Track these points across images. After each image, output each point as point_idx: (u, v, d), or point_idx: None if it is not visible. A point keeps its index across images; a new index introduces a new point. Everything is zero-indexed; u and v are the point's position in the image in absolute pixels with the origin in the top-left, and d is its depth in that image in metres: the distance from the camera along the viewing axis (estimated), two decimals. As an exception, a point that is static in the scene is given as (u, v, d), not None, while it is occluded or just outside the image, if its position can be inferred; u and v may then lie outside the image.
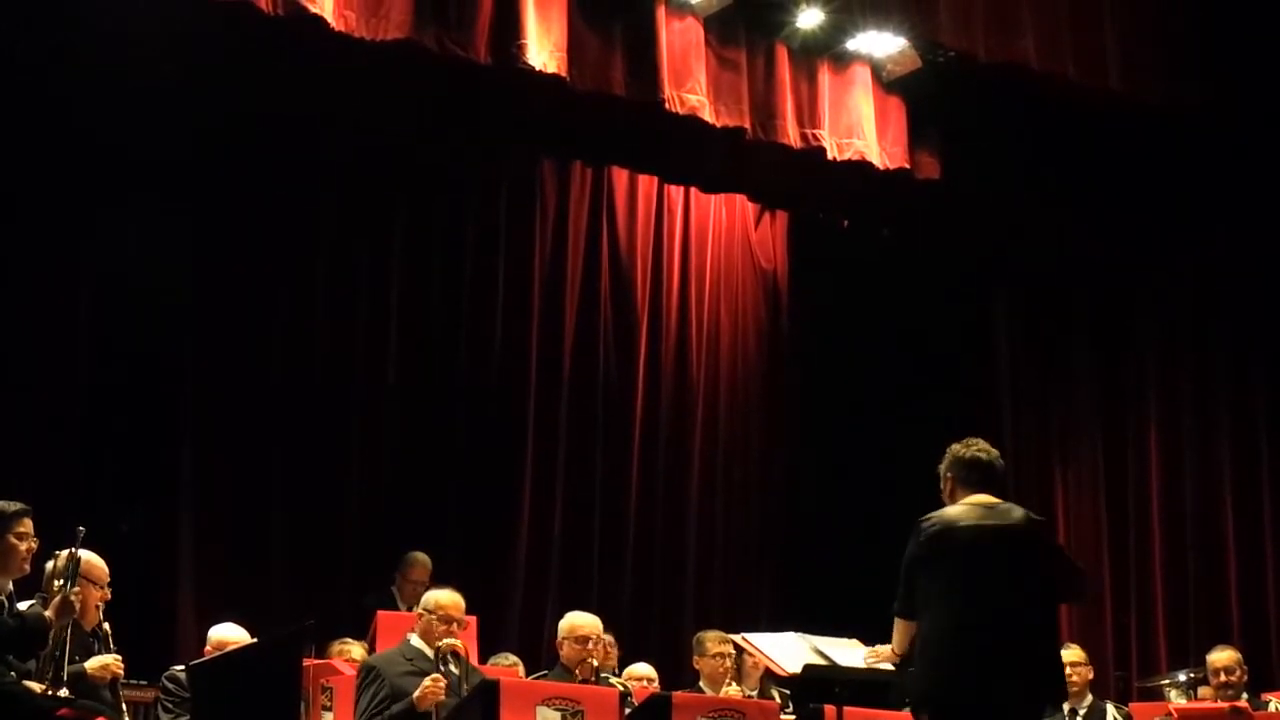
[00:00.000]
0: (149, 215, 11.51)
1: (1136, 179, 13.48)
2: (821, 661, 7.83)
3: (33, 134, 11.07)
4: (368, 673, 8.54)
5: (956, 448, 7.32)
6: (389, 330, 12.76)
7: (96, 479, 11.29)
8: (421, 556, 11.70)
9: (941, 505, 7.23)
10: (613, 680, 9.16)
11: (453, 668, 8.61)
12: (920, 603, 6.96)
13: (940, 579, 6.89)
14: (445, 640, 8.62)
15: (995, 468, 7.25)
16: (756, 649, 8.80)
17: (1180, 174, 13.40)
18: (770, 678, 10.21)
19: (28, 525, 7.59)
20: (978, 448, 7.28)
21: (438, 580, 10.77)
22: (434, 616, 8.74)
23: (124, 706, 8.45)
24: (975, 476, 7.19)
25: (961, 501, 7.11)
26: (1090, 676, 10.68)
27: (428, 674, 8.41)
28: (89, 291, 11.47)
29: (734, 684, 10.15)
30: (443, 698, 8.32)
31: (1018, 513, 7.13)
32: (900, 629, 7.18)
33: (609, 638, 10.53)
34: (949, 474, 7.26)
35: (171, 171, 11.73)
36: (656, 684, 9.83)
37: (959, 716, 6.83)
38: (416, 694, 8.30)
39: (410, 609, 11.01)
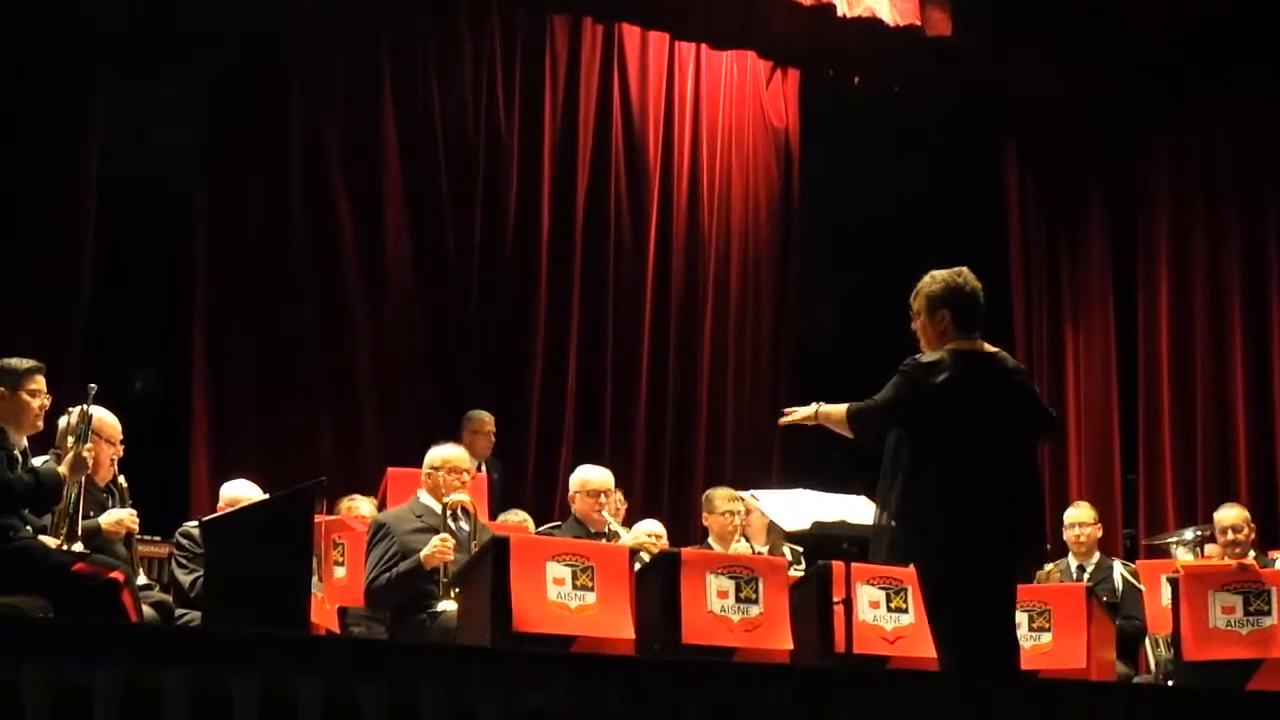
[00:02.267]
0: (158, 70, 11.47)
1: (1147, 32, 13.38)
2: (831, 518, 7.82)
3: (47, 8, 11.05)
4: (378, 529, 8.60)
5: (948, 276, 6.78)
6: (401, 187, 12.71)
7: (110, 335, 11.30)
8: (485, 413, 11.85)
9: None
10: (622, 535, 9.20)
11: (463, 524, 8.68)
12: (908, 445, 6.63)
13: (951, 432, 6.53)
14: (452, 496, 8.67)
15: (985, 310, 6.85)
16: (765, 508, 8.83)
17: (1190, 29, 13.31)
18: (780, 534, 10.25)
19: (40, 382, 7.60)
20: (974, 280, 6.81)
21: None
22: (440, 472, 8.79)
23: (138, 561, 8.55)
24: (978, 317, 6.76)
25: (955, 345, 6.67)
26: (1098, 535, 10.74)
27: (437, 530, 8.48)
28: (98, 147, 11.41)
29: (743, 540, 10.19)
30: (451, 558, 8.38)
31: (1010, 360, 6.87)
32: (839, 425, 6.76)
33: (618, 493, 10.60)
34: (943, 310, 6.72)
35: (184, 48, 11.71)
36: (665, 541, 9.88)
37: (976, 567, 6.56)
38: (424, 553, 8.35)
39: (480, 465, 11.13)
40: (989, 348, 6.82)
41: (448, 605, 8.31)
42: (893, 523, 6.70)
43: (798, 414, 6.98)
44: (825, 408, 6.88)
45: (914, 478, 6.63)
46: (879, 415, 6.72)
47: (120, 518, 8.16)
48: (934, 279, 6.83)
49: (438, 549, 8.36)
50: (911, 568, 7.09)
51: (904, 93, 14.27)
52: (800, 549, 10.37)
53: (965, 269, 6.88)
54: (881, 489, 6.81)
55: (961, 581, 6.58)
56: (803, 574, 9.21)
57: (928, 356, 6.71)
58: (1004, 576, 6.78)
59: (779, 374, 14.24)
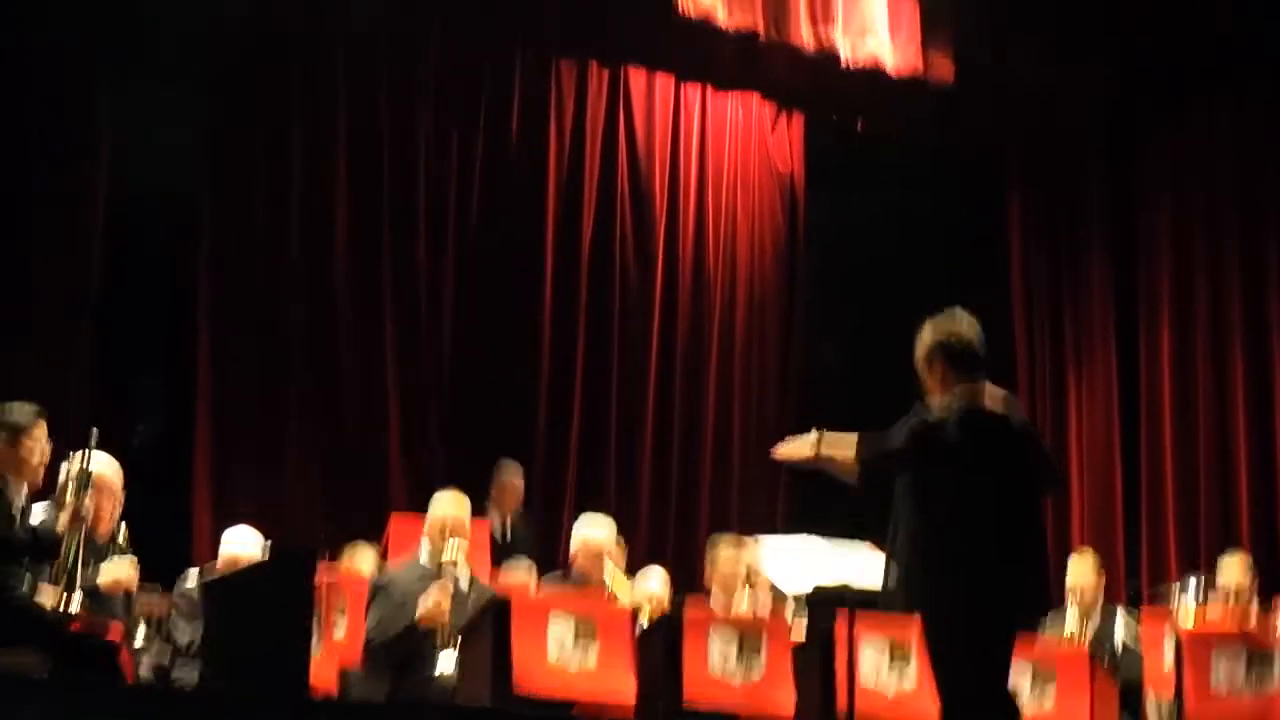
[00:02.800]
0: (162, 96, 11.47)
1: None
2: (832, 581, 7.80)
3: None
4: (376, 590, 8.61)
5: (933, 325, 6.80)
6: (408, 230, 12.70)
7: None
8: (516, 466, 11.98)
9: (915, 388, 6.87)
10: (620, 598, 9.17)
11: (461, 581, 8.65)
12: (916, 494, 6.66)
13: (959, 485, 6.57)
14: (447, 554, 8.65)
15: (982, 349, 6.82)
16: (766, 569, 8.81)
17: (1196, 61, 13.33)
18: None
19: (42, 430, 7.60)
20: (965, 325, 6.80)
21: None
22: (437, 528, 8.80)
23: (137, 619, 8.50)
24: (975, 358, 6.76)
25: (964, 393, 6.69)
26: (1101, 586, 10.69)
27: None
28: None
29: (747, 588, 10.15)
30: (446, 620, 8.39)
31: (1016, 410, 6.87)
32: (844, 472, 6.78)
33: (619, 539, 10.59)
34: (937, 361, 6.77)
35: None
36: (666, 599, 9.89)
37: (981, 621, 6.60)
38: (418, 613, 8.38)
39: (504, 520, 11.28)
40: (996, 393, 6.82)
41: (445, 668, 8.31)
42: (901, 578, 6.70)
43: (795, 450, 6.95)
44: (828, 450, 6.86)
45: (921, 530, 6.64)
46: (888, 464, 6.73)
47: (118, 577, 8.09)
48: (923, 331, 6.86)
49: (429, 610, 8.37)
50: (917, 621, 7.08)
51: (907, 135, 14.26)
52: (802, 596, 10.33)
53: (956, 312, 6.89)
54: (889, 542, 6.83)
55: (966, 634, 6.60)
56: (805, 621, 9.13)
57: (937, 409, 6.72)
58: (1008, 630, 6.78)
59: (785, 418, 14.17)
